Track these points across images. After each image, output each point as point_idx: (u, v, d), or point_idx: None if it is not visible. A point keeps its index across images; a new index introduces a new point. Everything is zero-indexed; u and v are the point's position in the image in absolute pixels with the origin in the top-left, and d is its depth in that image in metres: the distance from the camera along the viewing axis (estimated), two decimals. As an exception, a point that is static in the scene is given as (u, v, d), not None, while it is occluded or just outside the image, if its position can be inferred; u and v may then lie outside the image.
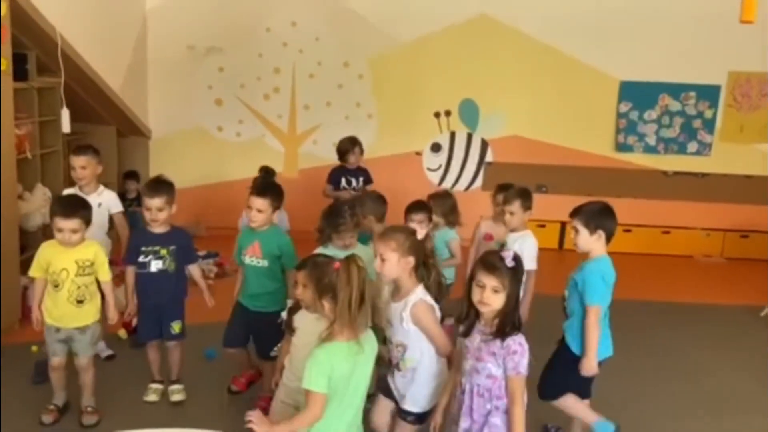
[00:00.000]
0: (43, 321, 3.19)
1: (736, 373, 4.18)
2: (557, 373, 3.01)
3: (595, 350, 2.88)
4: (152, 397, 3.51)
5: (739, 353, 4.47)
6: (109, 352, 3.98)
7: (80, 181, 3.80)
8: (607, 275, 2.90)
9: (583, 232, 2.90)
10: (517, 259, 2.38)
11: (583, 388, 3.02)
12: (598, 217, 2.92)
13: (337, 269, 2.26)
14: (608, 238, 2.93)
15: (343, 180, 5.17)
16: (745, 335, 4.80)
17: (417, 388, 2.62)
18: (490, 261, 2.39)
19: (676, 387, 3.94)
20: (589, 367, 2.89)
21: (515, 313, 2.38)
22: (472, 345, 2.44)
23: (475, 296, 2.39)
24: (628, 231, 6.81)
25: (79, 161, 3.78)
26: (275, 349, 3.30)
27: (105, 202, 3.88)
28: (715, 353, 4.46)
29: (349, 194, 5.05)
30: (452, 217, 4.08)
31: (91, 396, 3.30)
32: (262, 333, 3.38)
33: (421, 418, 2.67)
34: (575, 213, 2.95)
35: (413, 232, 2.63)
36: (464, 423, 2.44)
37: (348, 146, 5.19)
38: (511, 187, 3.96)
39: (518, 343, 2.35)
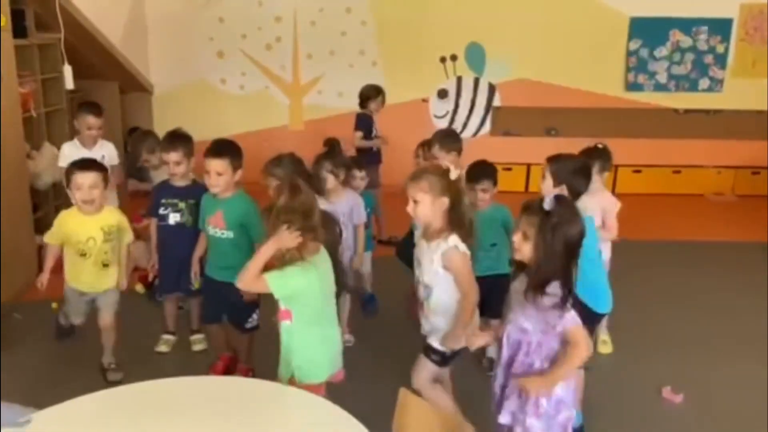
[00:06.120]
0: (47, 284, 3.12)
1: (748, 309, 4.19)
2: None
3: None
4: (163, 348, 3.54)
5: (751, 290, 4.48)
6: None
7: (92, 138, 3.90)
8: None
9: (549, 181, 2.71)
10: (560, 200, 2.09)
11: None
12: (572, 174, 2.70)
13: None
14: (572, 197, 2.61)
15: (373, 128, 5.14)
16: (758, 272, 4.80)
17: (440, 328, 2.56)
18: (527, 201, 2.14)
19: (689, 324, 3.97)
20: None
21: (557, 273, 2.02)
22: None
23: None
24: (638, 172, 6.79)
25: (97, 122, 3.90)
26: (251, 319, 3.09)
27: (107, 154, 3.93)
28: (728, 290, 4.47)
29: (380, 143, 5.09)
30: None
31: (112, 355, 3.31)
32: (234, 304, 3.01)
33: (445, 361, 2.59)
34: (552, 160, 2.75)
35: (446, 172, 2.42)
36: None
37: (371, 93, 5.13)
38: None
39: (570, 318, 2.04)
